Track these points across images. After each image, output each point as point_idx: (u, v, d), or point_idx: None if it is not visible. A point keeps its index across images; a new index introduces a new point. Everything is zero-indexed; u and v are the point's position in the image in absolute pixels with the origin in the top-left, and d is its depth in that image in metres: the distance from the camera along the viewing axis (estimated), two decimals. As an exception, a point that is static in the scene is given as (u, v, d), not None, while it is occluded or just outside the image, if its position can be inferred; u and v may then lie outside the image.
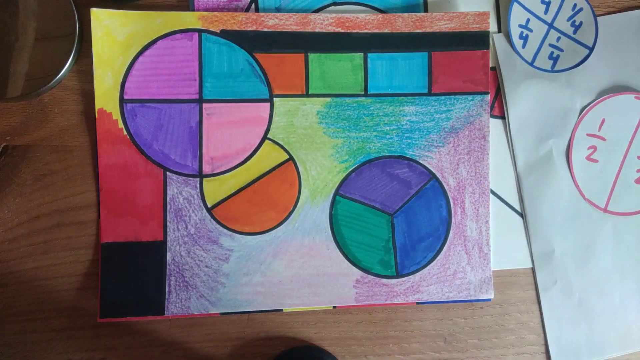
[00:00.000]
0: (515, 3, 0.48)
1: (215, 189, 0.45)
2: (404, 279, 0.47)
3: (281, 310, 0.46)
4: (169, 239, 0.45)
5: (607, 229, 0.49)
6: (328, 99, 0.47)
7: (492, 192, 0.48)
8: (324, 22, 0.46)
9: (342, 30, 0.46)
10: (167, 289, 0.45)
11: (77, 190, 0.45)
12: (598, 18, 0.49)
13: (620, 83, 0.49)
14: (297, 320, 0.46)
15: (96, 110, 0.45)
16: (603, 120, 0.49)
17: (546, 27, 0.49)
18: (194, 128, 0.45)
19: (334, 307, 0.47)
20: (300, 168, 0.46)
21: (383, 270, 0.47)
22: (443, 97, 0.47)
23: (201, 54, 0.45)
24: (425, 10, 0.48)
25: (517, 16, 0.48)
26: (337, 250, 0.46)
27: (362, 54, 0.47)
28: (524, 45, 0.48)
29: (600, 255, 0.49)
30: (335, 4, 0.47)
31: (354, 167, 0.47)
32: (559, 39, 0.49)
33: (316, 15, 0.46)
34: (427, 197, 0.47)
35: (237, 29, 0.46)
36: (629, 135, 0.49)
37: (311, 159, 0.46)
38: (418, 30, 0.47)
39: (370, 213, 0.47)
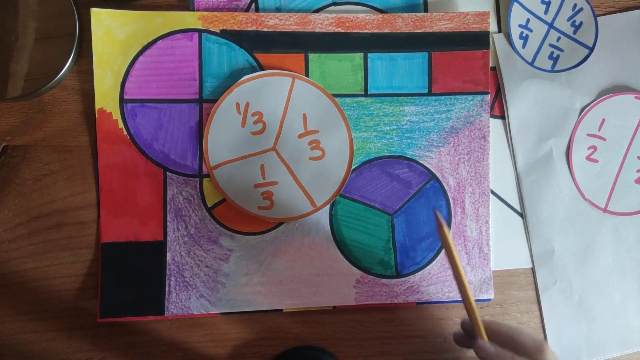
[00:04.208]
0: (515, 3, 0.48)
1: (215, 189, 0.45)
2: (404, 279, 0.47)
3: (281, 310, 0.46)
4: (169, 239, 0.45)
5: (607, 229, 0.49)
6: (328, 99, 0.47)
7: (492, 192, 0.48)
8: (324, 22, 0.46)
9: (342, 30, 0.46)
10: (167, 289, 0.45)
11: (77, 190, 0.45)
12: (598, 18, 0.49)
13: (620, 83, 0.49)
14: (297, 320, 0.46)
15: (96, 110, 0.45)
16: (603, 120, 0.49)
17: (546, 27, 0.49)
18: (194, 128, 0.45)
19: (334, 307, 0.47)
20: (300, 168, 0.46)
21: (383, 270, 0.47)
22: (443, 97, 0.47)
23: (201, 54, 0.45)
24: (425, 10, 0.48)
25: (517, 16, 0.48)
26: (337, 250, 0.46)
27: (362, 54, 0.47)
28: (524, 45, 0.48)
29: (600, 255, 0.49)
30: (335, 4, 0.47)
31: (354, 167, 0.47)
32: (559, 39, 0.49)
33: (316, 15, 0.46)
34: (427, 197, 0.47)
35: (237, 29, 0.46)
36: (629, 135, 0.49)
37: (311, 159, 0.47)
38: (418, 30, 0.47)
39: (370, 213, 0.47)
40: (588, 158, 0.49)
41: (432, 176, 0.47)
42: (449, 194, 0.47)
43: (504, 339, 0.36)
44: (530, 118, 0.49)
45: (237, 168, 0.45)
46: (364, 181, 0.47)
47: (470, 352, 0.47)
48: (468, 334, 0.39)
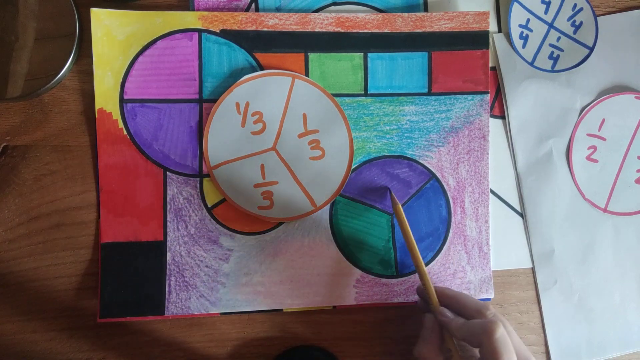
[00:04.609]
0: (515, 3, 0.48)
1: (215, 189, 0.45)
2: (404, 278, 0.47)
3: (281, 310, 0.46)
4: (169, 239, 0.45)
5: (607, 229, 0.49)
6: (328, 99, 0.47)
7: (492, 192, 0.48)
8: (324, 22, 0.46)
9: (342, 30, 0.46)
10: (167, 289, 0.45)
11: (77, 190, 0.45)
12: (598, 18, 0.49)
13: (620, 83, 0.49)
14: (297, 320, 0.46)
15: (96, 110, 0.45)
16: (603, 120, 0.49)
17: (546, 27, 0.49)
18: (194, 128, 0.45)
19: (334, 307, 0.47)
20: (300, 168, 0.46)
21: (383, 270, 0.47)
22: (443, 97, 0.47)
23: (201, 53, 0.45)
24: (425, 10, 0.48)
25: (517, 16, 0.48)
26: (337, 250, 0.46)
27: (362, 53, 0.47)
28: (524, 45, 0.48)
29: (600, 255, 0.49)
30: (335, 4, 0.47)
31: (354, 167, 0.47)
32: (559, 38, 0.49)
33: (316, 15, 0.46)
34: (427, 196, 0.47)
35: (237, 28, 0.46)
36: (629, 135, 0.49)
37: (311, 159, 0.47)
38: (418, 30, 0.47)
39: (370, 213, 0.47)
40: (588, 158, 0.49)
41: (432, 176, 0.47)
42: (449, 194, 0.47)
43: (451, 301, 0.41)
44: (530, 118, 0.49)
45: (237, 168, 0.45)
46: (364, 181, 0.47)
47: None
48: (424, 300, 0.44)
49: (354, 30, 0.46)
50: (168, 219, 0.45)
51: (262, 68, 0.46)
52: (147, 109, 0.45)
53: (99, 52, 0.44)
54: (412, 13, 0.47)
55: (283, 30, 0.46)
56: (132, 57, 0.45)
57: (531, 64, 0.48)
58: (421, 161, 0.47)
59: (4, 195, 0.44)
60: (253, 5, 0.47)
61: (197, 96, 0.45)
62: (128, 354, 0.45)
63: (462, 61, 0.47)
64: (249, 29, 0.46)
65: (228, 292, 0.45)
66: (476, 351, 0.39)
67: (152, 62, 0.45)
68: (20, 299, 0.44)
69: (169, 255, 0.45)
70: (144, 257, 0.45)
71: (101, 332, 0.45)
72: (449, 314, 0.40)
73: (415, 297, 0.47)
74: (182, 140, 0.45)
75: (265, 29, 0.46)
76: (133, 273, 0.44)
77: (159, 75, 0.45)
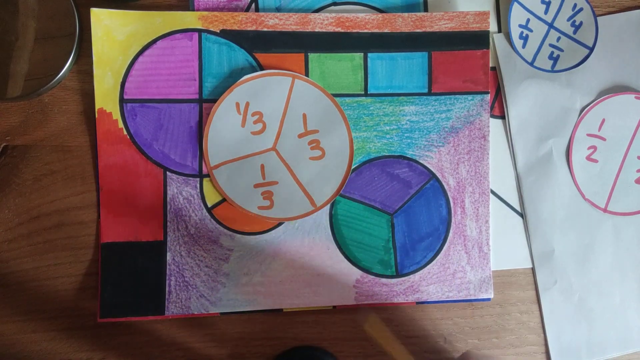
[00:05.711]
0: (515, 3, 0.48)
1: (215, 189, 0.45)
2: (403, 278, 0.47)
3: (281, 310, 0.46)
4: (169, 239, 0.45)
5: (607, 229, 0.49)
6: (328, 99, 0.47)
7: (492, 192, 0.48)
8: (324, 22, 0.46)
9: (342, 30, 0.46)
10: (167, 289, 0.45)
11: (77, 190, 0.45)
12: (598, 18, 0.49)
13: (620, 83, 0.49)
14: (297, 320, 0.46)
15: (96, 110, 0.45)
16: (603, 120, 0.49)
17: (546, 27, 0.49)
18: (194, 128, 0.45)
19: (334, 307, 0.47)
20: (300, 168, 0.46)
21: (383, 270, 0.47)
22: (443, 97, 0.47)
23: (201, 53, 0.45)
24: (425, 10, 0.48)
25: (517, 16, 0.48)
26: (337, 250, 0.46)
27: (362, 53, 0.47)
28: (524, 45, 0.48)
29: (600, 255, 0.49)
30: (335, 4, 0.47)
31: (354, 167, 0.47)
32: (559, 39, 0.49)
33: (316, 15, 0.46)
34: (427, 196, 0.47)
35: (237, 28, 0.46)
36: (629, 135, 0.49)
37: (311, 159, 0.47)
38: (418, 30, 0.47)
39: (370, 213, 0.47)
40: (588, 158, 0.49)
41: (432, 176, 0.47)
42: (449, 194, 0.47)
43: None
44: (530, 118, 0.49)
45: (237, 168, 0.45)
46: (364, 181, 0.47)
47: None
48: None
49: (354, 30, 0.46)
50: (168, 219, 0.45)
51: (262, 68, 0.46)
52: (147, 109, 0.45)
53: (99, 52, 0.44)
54: (412, 13, 0.47)
55: (283, 30, 0.46)
56: (132, 57, 0.45)
57: (531, 64, 0.48)
58: (421, 161, 0.47)
59: (4, 195, 0.44)
60: (253, 5, 0.47)
61: (197, 96, 0.45)
62: (128, 354, 0.45)
63: (462, 61, 0.47)
64: (249, 29, 0.46)
65: (228, 292, 0.45)
66: None
67: (152, 62, 0.45)
68: (21, 299, 0.44)
69: (169, 255, 0.45)
70: (144, 257, 0.45)
71: (101, 332, 0.45)
72: None
73: (415, 297, 0.47)
74: (182, 140, 0.45)
75: (265, 29, 0.46)
76: (133, 273, 0.44)
77: (159, 75, 0.45)
